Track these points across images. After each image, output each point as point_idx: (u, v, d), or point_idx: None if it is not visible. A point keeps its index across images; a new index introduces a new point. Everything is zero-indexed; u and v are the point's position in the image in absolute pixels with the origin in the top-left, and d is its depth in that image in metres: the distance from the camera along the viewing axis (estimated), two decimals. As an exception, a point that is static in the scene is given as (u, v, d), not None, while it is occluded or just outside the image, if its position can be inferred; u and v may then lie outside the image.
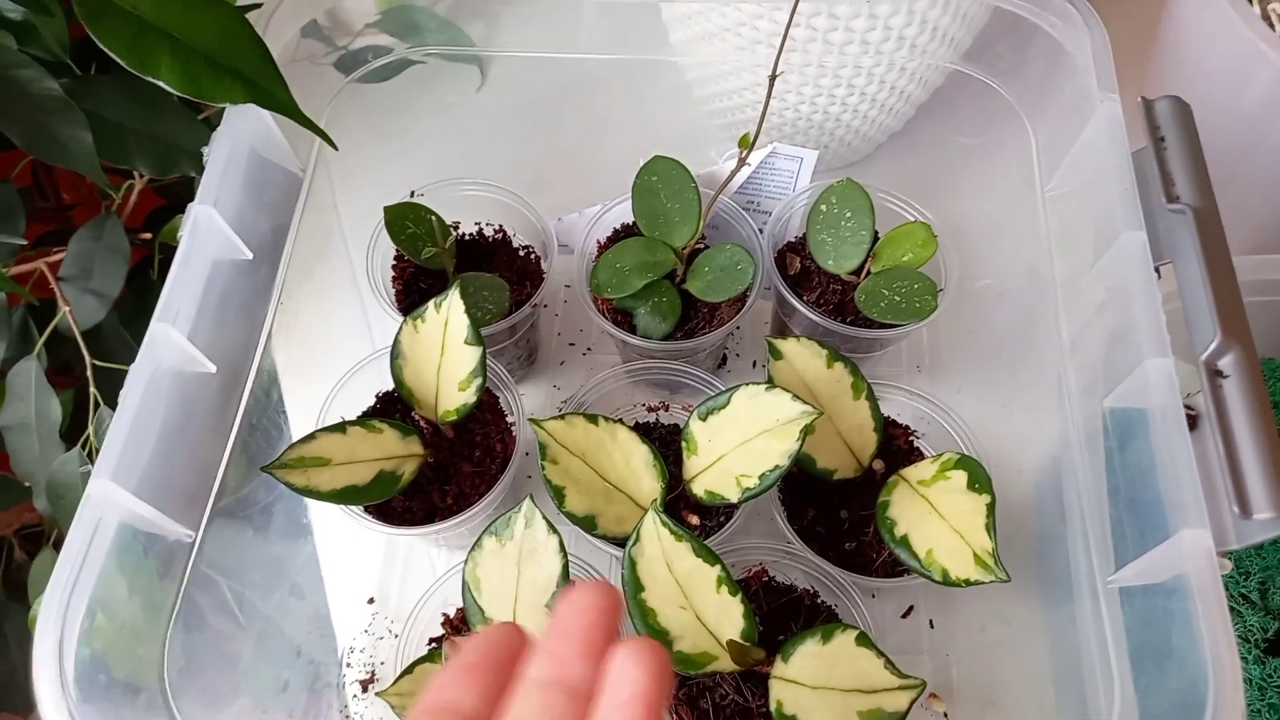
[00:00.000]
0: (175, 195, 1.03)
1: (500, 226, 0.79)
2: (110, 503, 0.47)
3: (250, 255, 0.58)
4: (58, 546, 0.95)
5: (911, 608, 0.71)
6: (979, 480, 0.58)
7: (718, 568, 0.55)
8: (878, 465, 0.65)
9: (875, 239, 0.71)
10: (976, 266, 0.77)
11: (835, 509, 0.66)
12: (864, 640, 0.52)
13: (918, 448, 0.68)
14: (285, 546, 0.75)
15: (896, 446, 0.67)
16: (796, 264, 0.74)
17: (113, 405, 0.83)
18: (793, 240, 0.77)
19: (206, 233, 0.55)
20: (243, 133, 0.59)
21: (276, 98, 0.59)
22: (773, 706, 0.55)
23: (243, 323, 0.57)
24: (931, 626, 0.71)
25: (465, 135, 0.94)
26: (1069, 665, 0.64)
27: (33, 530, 1.08)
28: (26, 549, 1.08)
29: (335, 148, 0.59)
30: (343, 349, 0.76)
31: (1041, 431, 0.68)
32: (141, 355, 0.50)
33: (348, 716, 0.70)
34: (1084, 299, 0.57)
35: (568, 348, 0.85)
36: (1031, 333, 0.72)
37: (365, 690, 0.70)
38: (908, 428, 0.68)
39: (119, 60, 0.56)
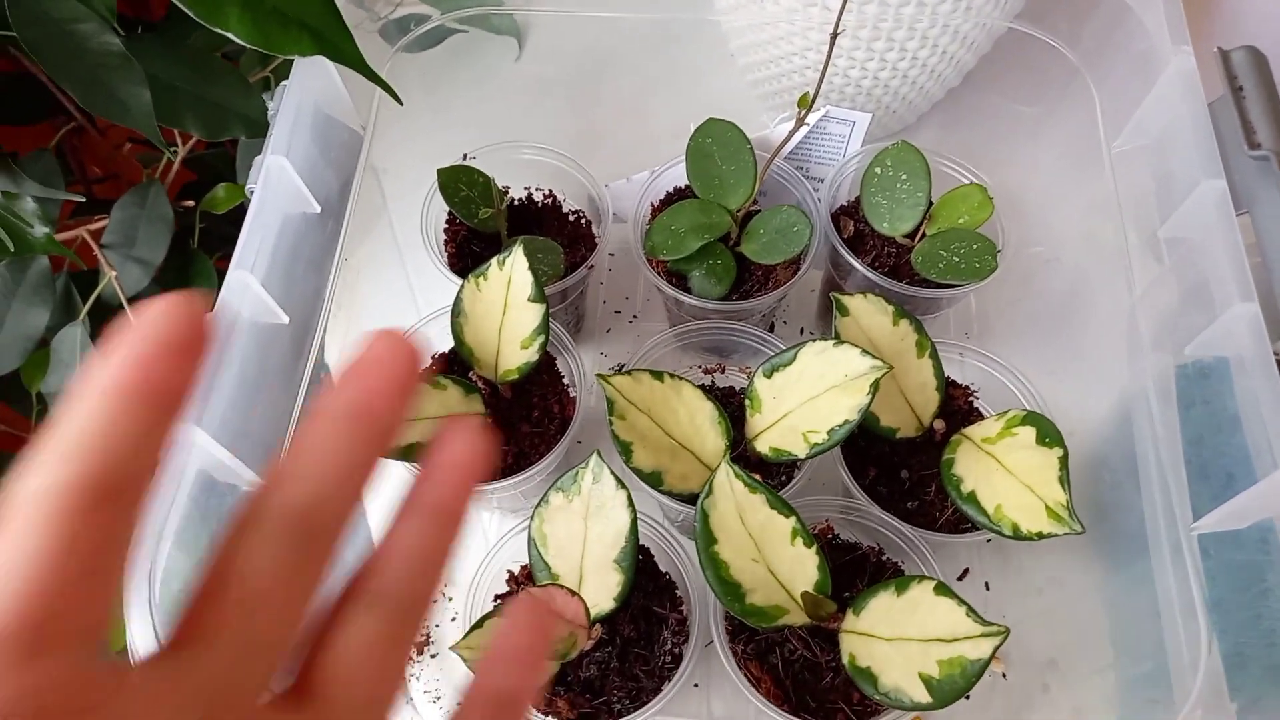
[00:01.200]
0: (207, 168, 1.03)
1: (550, 191, 0.79)
2: (193, 447, 0.46)
3: (319, 209, 0.58)
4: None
5: (967, 570, 0.71)
6: (1049, 434, 0.58)
7: (793, 519, 0.54)
8: (938, 425, 0.64)
9: (930, 203, 0.71)
10: (1026, 234, 0.77)
11: (896, 469, 0.66)
12: (943, 589, 0.52)
13: (977, 408, 0.68)
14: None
15: (956, 406, 0.67)
16: (851, 227, 0.74)
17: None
18: (845, 204, 0.77)
19: (279, 183, 0.55)
20: (309, 88, 0.59)
21: (343, 50, 0.58)
22: (845, 660, 0.55)
23: (311, 277, 0.57)
24: (987, 589, 0.70)
25: (506, 104, 0.94)
26: (1131, 622, 0.64)
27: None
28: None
29: (400, 102, 0.58)
30: (390, 311, 0.76)
31: (1096, 393, 0.68)
32: (220, 302, 0.50)
33: (405, 678, 0.70)
34: (1154, 253, 0.57)
35: (614, 315, 0.85)
36: (1085, 297, 0.72)
37: (420, 653, 0.70)
38: (968, 387, 0.68)
39: (188, 11, 0.56)
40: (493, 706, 0.28)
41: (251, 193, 0.54)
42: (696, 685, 0.67)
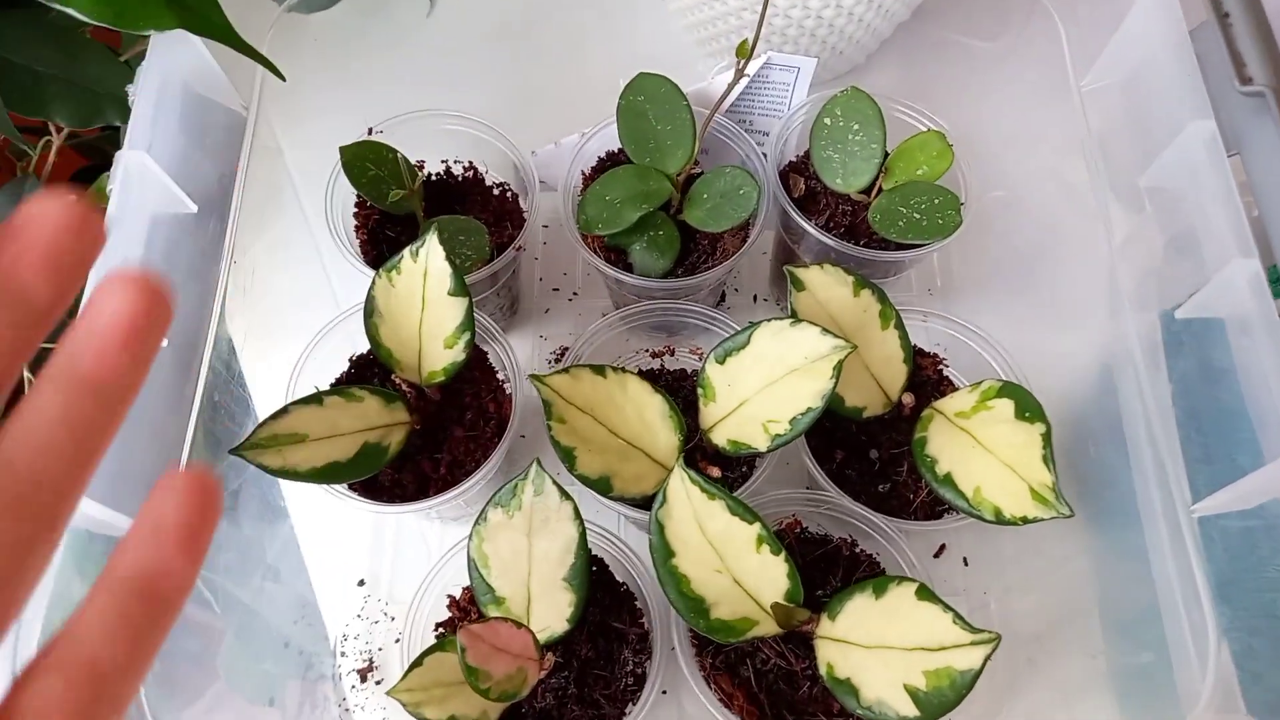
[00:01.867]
0: (101, 152, 0.94)
1: (470, 163, 0.72)
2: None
3: (194, 208, 0.50)
4: None
5: (944, 546, 0.66)
6: (1029, 408, 0.53)
7: (756, 526, 0.49)
8: (907, 399, 0.59)
9: (885, 154, 0.65)
10: (987, 179, 0.71)
11: (864, 449, 0.61)
12: (926, 593, 0.47)
13: (947, 377, 0.63)
14: (260, 531, 0.68)
15: (925, 377, 0.62)
16: (801, 185, 0.68)
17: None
18: (794, 160, 0.70)
19: (141, 183, 0.47)
20: (174, 66, 0.51)
21: (210, 21, 0.50)
22: (822, 670, 0.50)
23: (193, 287, 0.49)
24: (966, 564, 0.66)
25: (419, 67, 0.85)
26: (1125, 601, 0.60)
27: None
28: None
29: (283, 78, 0.51)
30: (305, 310, 0.69)
31: (1072, 352, 0.63)
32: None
33: (348, 709, 0.64)
34: (1135, 202, 0.51)
35: (551, 294, 0.78)
36: (1055, 247, 0.67)
37: (364, 680, 0.64)
38: (936, 356, 0.63)
39: (16, -16, 0.48)
40: (135, 595, 0.22)
41: (111, 194, 0.46)
42: (665, 692, 0.62)
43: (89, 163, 0.95)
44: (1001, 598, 0.65)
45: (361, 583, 0.68)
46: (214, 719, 0.61)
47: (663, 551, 0.50)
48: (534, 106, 0.81)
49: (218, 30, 0.51)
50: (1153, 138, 0.49)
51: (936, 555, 0.66)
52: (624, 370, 0.56)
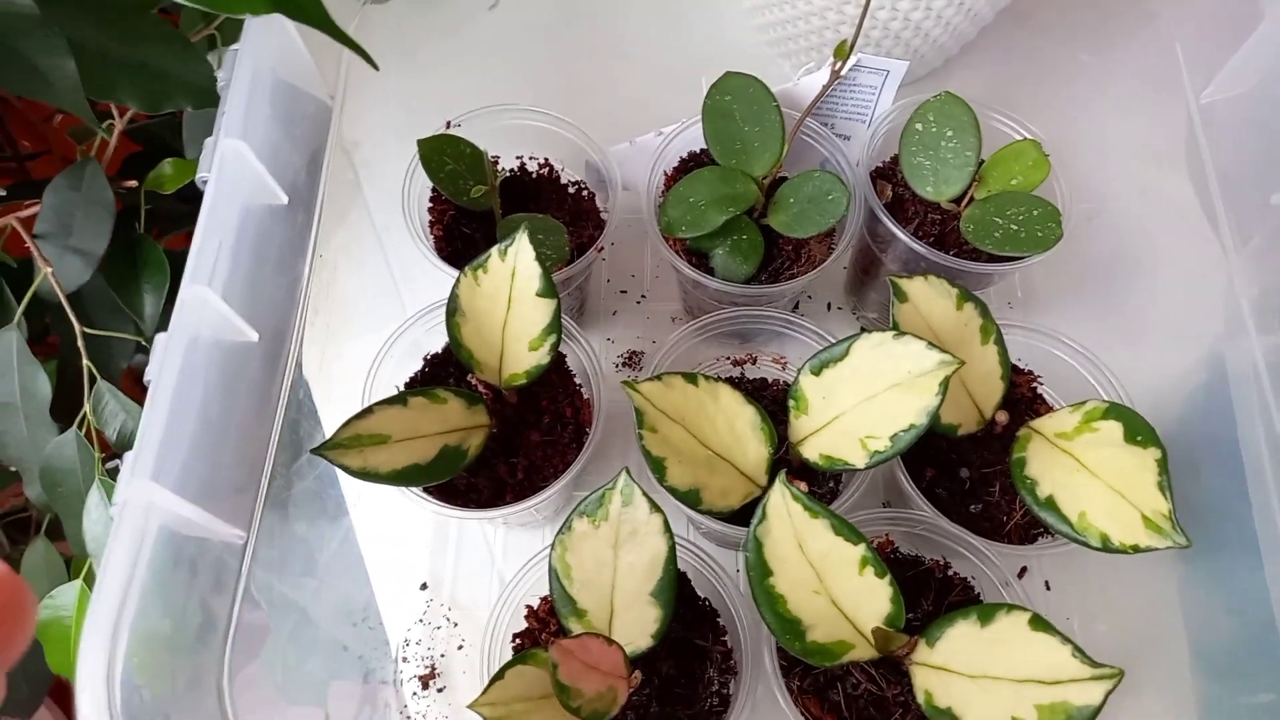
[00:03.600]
0: (154, 139, 0.92)
1: (545, 160, 0.70)
2: (154, 507, 0.38)
3: (285, 199, 0.49)
4: (51, 535, 0.86)
5: (1025, 569, 0.64)
6: (1140, 431, 0.51)
7: (862, 547, 0.47)
8: (1000, 417, 0.57)
9: (980, 162, 0.63)
10: (1073, 190, 0.69)
11: (954, 467, 0.59)
12: (1041, 623, 0.45)
13: (1041, 395, 0.61)
14: (322, 531, 0.66)
15: (1019, 395, 0.60)
16: (888, 191, 0.66)
17: (109, 378, 0.74)
18: (880, 165, 0.68)
19: (237, 173, 0.45)
20: (265, 53, 0.50)
21: (306, 6, 0.49)
22: (920, 698, 0.48)
23: (281, 281, 0.48)
24: (1048, 589, 0.64)
25: (481, 60, 0.83)
26: (1216, 632, 0.58)
27: (19, 516, 0.98)
28: (12, 536, 0.99)
29: (376, 66, 0.49)
30: (374, 311, 0.67)
31: (1170, 375, 0.61)
32: (174, 325, 0.41)
33: (409, 716, 0.62)
34: (1258, 217, 0.49)
35: (619, 295, 0.76)
36: (1154, 261, 0.65)
37: (426, 687, 0.63)
38: (1031, 373, 0.61)
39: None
40: None
41: (204, 182, 0.44)
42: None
43: (141, 149, 0.93)
44: (1085, 625, 0.63)
45: (424, 586, 0.66)
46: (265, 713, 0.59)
47: (760, 570, 0.48)
48: (600, 101, 0.79)
49: (313, 15, 0.49)
50: (1285, 153, 0.47)
51: (1018, 577, 0.64)
52: (716, 379, 0.54)
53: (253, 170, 0.46)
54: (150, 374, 0.40)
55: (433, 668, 0.64)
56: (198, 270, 0.42)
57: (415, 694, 0.63)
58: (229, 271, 0.44)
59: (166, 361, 0.40)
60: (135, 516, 0.37)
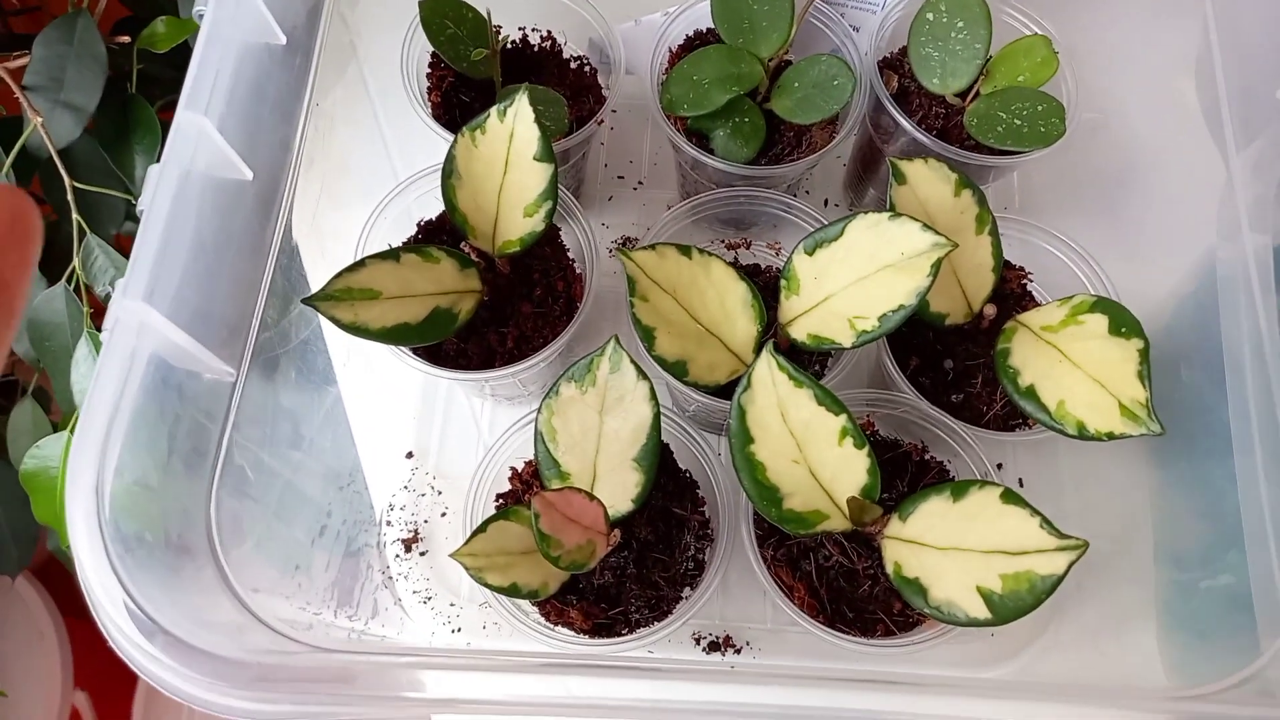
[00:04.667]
0: (143, 3, 0.90)
1: (549, 33, 0.68)
2: (146, 329, 0.38)
3: (284, 40, 0.48)
4: (38, 397, 0.86)
5: (1000, 465, 0.66)
6: (1125, 324, 0.51)
7: (843, 417, 0.48)
8: (989, 310, 0.58)
9: (988, 57, 0.62)
10: (1082, 94, 0.68)
11: (939, 358, 0.60)
12: (1013, 497, 0.46)
13: (1030, 292, 0.61)
14: (308, 393, 0.67)
15: (1009, 290, 0.61)
16: (895, 82, 0.65)
17: (100, 234, 0.73)
18: (888, 56, 0.67)
19: (234, 7, 0.44)
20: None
21: None
22: (889, 569, 0.49)
23: (278, 123, 0.47)
24: (1021, 485, 0.66)
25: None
26: (1182, 529, 0.59)
27: (5, 380, 0.98)
28: (-1, 400, 0.99)
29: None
30: (365, 169, 0.67)
31: (1163, 276, 0.61)
32: (168, 151, 0.41)
33: (390, 578, 0.64)
34: (1259, 116, 0.49)
35: (616, 181, 0.76)
36: (1155, 167, 0.65)
37: (408, 550, 0.64)
38: (1022, 269, 0.61)
39: None
40: None
41: (200, 16, 0.44)
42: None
43: (130, 14, 0.91)
44: (1055, 520, 0.64)
45: (409, 455, 0.67)
46: (256, 567, 0.61)
47: (741, 437, 0.49)
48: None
49: None
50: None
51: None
52: (709, 253, 0.54)
53: (251, 3, 0.45)
54: (142, 204, 0.40)
55: (416, 532, 0.65)
56: (194, 98, 0.41)
57: (398, 556, 0.64)
58: (225, 105, 0.43)
59: (160, 189, 0.40)
60: (126, 337, 0.38)
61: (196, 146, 0.41)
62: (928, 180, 0.54)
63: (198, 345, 0.41)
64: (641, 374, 0.51)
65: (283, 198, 0.47)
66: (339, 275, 0.50)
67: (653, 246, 0.53)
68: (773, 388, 0.49)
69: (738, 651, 0.60)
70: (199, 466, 0.43)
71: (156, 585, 0.39)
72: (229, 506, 0.48)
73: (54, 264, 0.72)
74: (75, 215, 0.70)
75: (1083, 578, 0.63)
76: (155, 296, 0.38)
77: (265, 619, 0.47)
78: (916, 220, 0.50)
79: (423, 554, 0.64)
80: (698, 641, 0.59)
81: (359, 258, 0.50)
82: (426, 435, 0.68)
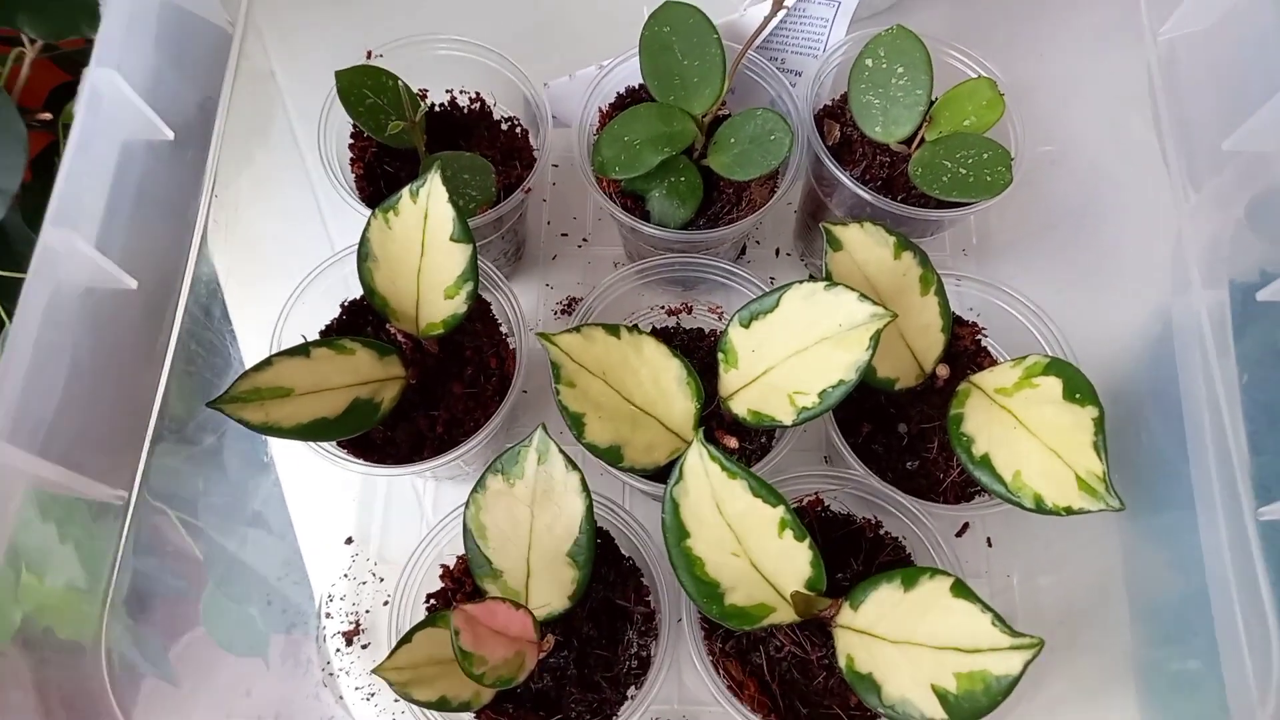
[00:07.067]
0: (78, 67, 0.87)
1: (477, 94, 0.66)
2: (12, 471, 0.35)
3: (171, 135, 0.45)
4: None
5: (967, 525, 0.63)
6: (1079, 389, 0.49)
7: (780, 509, 0.45)
8: (941, 370, 0.55)
9: (931, 102, 0.60)
10: (1034, 132, 0.65)
11: (892, 422, 0.57)
12: (962, 589, 0.43)
13: (985, 348, 0.58)
14: (243, 486, 0.64)
15: (961, 348, 0.58)
16: (836, 132, 0.62)
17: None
18: (829, 104, 0.65)
19: (112, 106, 0.42)
20: (147, -29, 0.45)
21: (187, -79, 0.44)
22: (842, 662, 0.46)
23: (168, 223, 0.44)
24: (990, 545, 0.63)
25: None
26: (1156, 593, 0.56)
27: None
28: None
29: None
30: (296, 249, 0.64)
31: (1130, 323, 0.59)
32: (33, 272, 0.38)
33: (331, 673, 0.61)
34: (1211, 164, 0.46)
35: (560, 239, 0.73)
36: (1113, 208, 0.62)
37: (350, 643, 0.61)
38: (974, 325, 0.58)
39: None
40: None
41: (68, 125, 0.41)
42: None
43: (70, 79, 0.88)
44: (1026, 581, 0.62)
45: (349, 540, 0.64)
46: (192, 666, 0.58)
47: (677, 532, 0.46)
48: (547, 36, 0.76)
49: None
50: (1243, 94, 0.44)
51: (959, 534, 0.63)
52: (639, 330, 0.52)
53: (129, 103, 0.42)
54: (10, 329, 0.37)
55: (357, 624, 0.62)
56: (60, 212, 0.38)
57: (339, 650, 0.61)
58: (103, 214, 0.40)
59: (26, 311, 0.37)
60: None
61: (68, 263, 0.39)
62: (865, 245, 0.52)
63: (72, 475, 0.38)
64: (571, 465, 0.48)
65: (176, 301, 0.45)
66: (245, 375, 0.47)
67: (578, 329, 0.50)
68: (706, 479, 0.46)
69: (695, 741, 0.57)
70: (90, 595, 0.40)
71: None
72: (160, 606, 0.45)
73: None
74: (-4, 305, 0.68)
75: (1056, 642, 0.60)
76: (19, 432, 0.35)
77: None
78: (853, 290, 0.48)
79: (365, 646, 0.61)
80: (652, 732, 0.57)
81: (268, 355, 0.47)
82: (368, 520, 0.65)
